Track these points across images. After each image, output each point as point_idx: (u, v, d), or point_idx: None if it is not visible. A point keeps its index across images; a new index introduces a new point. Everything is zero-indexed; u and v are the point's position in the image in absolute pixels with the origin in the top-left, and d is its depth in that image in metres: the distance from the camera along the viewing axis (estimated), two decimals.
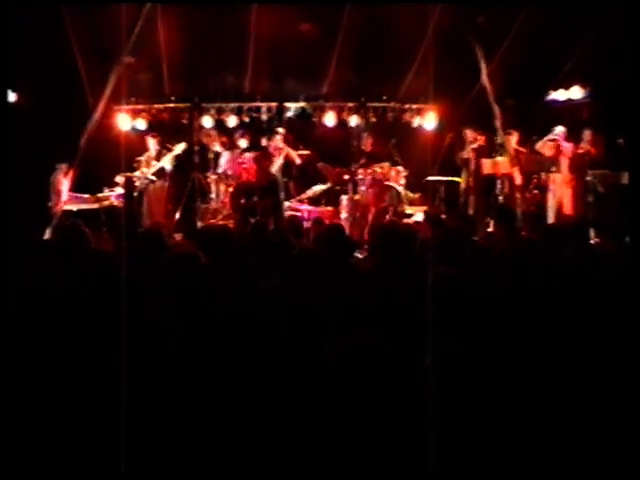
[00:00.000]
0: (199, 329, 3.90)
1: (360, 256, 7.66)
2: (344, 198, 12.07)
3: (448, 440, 3.18)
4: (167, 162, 12.05)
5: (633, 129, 6.37)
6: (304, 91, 13.12)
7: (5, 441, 3.37)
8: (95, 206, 11.38)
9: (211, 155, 12.62)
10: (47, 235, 9.33)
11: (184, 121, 12.98)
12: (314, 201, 12.60)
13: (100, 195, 11.64)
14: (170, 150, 12.14)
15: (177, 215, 12.15)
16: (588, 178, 11.34)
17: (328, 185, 12.47)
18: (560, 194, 11.59)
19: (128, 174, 11.74)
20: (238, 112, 12.97)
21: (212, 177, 12.38)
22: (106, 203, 11.51)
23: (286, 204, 12.11)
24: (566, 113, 12.79)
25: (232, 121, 12.94)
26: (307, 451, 3.30)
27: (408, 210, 11.97)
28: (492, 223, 9.82)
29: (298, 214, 11.61)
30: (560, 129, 11.83)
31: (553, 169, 11.69)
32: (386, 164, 12.23)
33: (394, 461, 3.19)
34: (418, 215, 11.36)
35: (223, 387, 3.59)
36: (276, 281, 4.57)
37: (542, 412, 3.45)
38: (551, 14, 11.16)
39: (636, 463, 3.26)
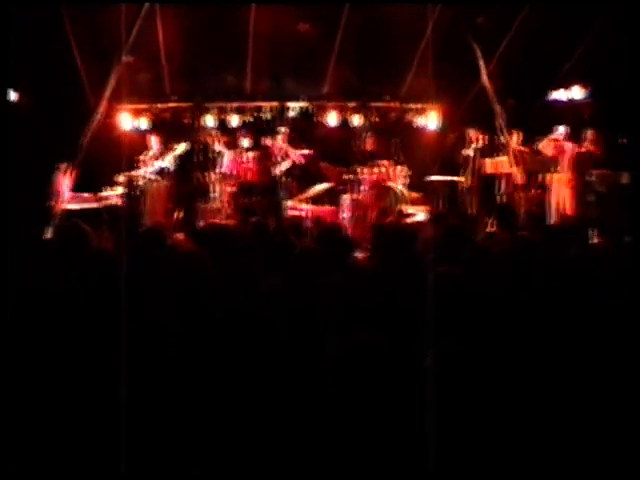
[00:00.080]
0: (199, 329, 3.90)
1: (360, 256, 7.65)
2: (345, 198, 12.06)
3: (448, 440, 3.17)
4: (168, 161, 12.05)
5: (634, 129, 6.38)
6: (306, 91, 13.13)
7: (5, 441, 3.37)
8: (96, 205, 11.37)
9: (213, 155, 12.60)
10: (48, 234, 9.33)
11: (186, 121, 12.99)
12: (315, 200, 12.59)
13: (101, 194, 11.64)
14: (172, 149, 12.14)
15: (178, 214, 12.14)
16: (589, 178, 11.33)
17: (329, 184, 12.46)
18: (561, 194, 11.58)
19: (129, 173, 11.74)
20: (240, 112, 12.98)
21: (213, 176, 12.37)
22: (107, 202, 11.50)
23: (287, 203, 12.11)
24: (567, 113, 12.78)
25: (234, 121, 12.95)
26: (307, 451, 3.30)
27: (409, 210, 11.95)
28: (493, 223, 9.83)
29: (299, 213, 11.61)
30: (562, 129, 11.83)
31: (554, 169, 11.68)
32: (386, 162, 12.22)
33: (394, 461, 3.19)
34: (419, 215, 11.35)
35: (223, 387, 3.59)
36: (277, 281, 4.57)
37: (542, 412, 3.45)
38: (551, 14, 11.16)
39: (636, 463, 3.26)
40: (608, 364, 3.73)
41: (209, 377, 3.62)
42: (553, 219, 10.93)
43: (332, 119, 13.05)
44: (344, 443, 3.20)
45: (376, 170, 12.15)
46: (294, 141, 12.63)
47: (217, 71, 12.62)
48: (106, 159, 11.18)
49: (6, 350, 3.68)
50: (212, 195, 12.32)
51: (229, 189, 12.16)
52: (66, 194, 11.31)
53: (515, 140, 11.91)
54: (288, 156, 12.33)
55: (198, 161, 12.55)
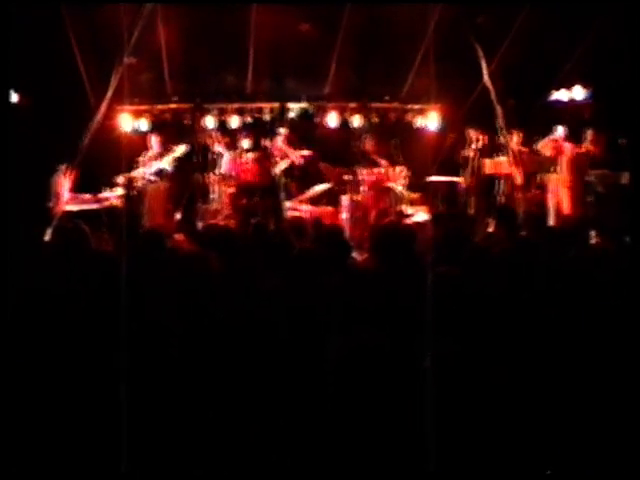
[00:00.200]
0: (200, 329, 3.90)
1: (359, 256, 7.65)
2: (345, 198, 12.05)
3: (448, 440, 3.18)
4: (167, 163, 12.04)
5: (634, 129, 6.37)
6: (306, 91, 13.12)
7: (5, 441, 3.38)
8: (95, 206, 11.36)
9: (212, 156, 12.60)
10: (48, 236, 9.32)
11: (186, 122, 12.99)
12: (315, 201, 12.59)
13: (101, 195, 11.63)
14: (171, 151, 12.14)
15: (177, 215, 12.13)
16: (588, 178, 11.33)
17: (329, 185, 12.46)
18: (559, 194, 11.58)
19: (128, 174, 11.73)
20: (240, 113, 12.98)
21: (213, 177, 12.37)
22: (107, 203, 11.49)
23: (287, 204, 12.10)
24: (567, 113, 12.79)
25: (234, 122, 12.94)
26: (308, 451, 3.31)
27: (409, 210, 11.96)
28: (492, 223, 9.82)
29: (299, 214, 11.61)
30: (560, 129, 11.83)
31: (553, 169, 11.69)
32: (385, 162, 12.23)
33: (394, 461, 3.19)
34: (419, 215, 11.35)
35: (224, 387, 3.59)
36: (277, 281, 4.58)
37: (542, 412, 3.45)
38: (551, 14, 11.16)
39: (636, 463, 3.26)
40: (607, 364, 3.73)
41: (210, 377, 3.62)
42: (552, 220, 10.93)
43: (332, 120, 13.06)
44: (345, 443, 3.21)
45: (376, 171, 12.15)
46: (294, 142, 12.63)
47: (217, 72, 12.62)
48: (106, 160, 11.17)
49: (6, 350, 3.68)
50: (212, 196, 12.32)
51: (229, 190, 12.15)
52: (66, 195, 11.31)
53: (515, 140, 11.91)
54: (287, 157, 12.33)
55: (198, 162, 12.55)
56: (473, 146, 12.22)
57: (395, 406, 3.30)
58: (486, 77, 11.42)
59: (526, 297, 4.43)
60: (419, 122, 13.37)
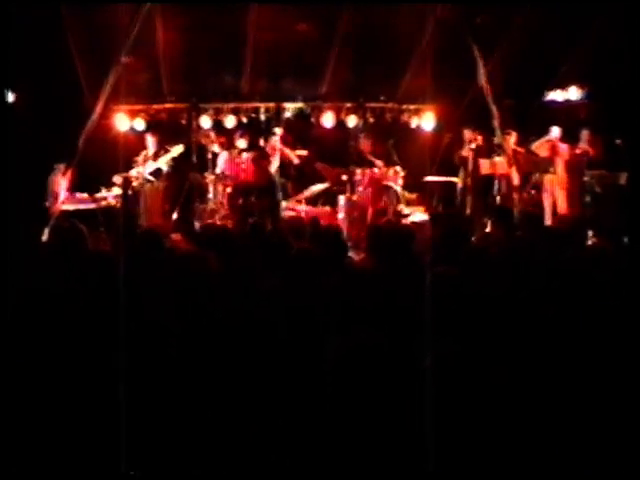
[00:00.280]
0: (199, 329, 3.90)
1: (356, 256, 7.66)
2: (342, 198, 12.06)
3: (448, 440, 3.18)
4: (163, 163, 12.04)
5: (632, 130, 6.38)
6: (302, 91, 13.11)
7: (5, 441, 3.38)
8: (93, 206, 11.36)
9: (209, 155, 12.59)
10: (45, 235, 9.32)
11: (182, 121, 12.98)
12: (312, 201, 12.60)
13: (98, 195, 11.62)
14: (167, 151, 12.13)
15: (174, 215, 12.13)
16: (586, 178, 11.35)
17: (326, 185, 12.47)
18: (556, 195, 11.60)
19: (125, 174, 11.72)
20: (236, 112, 12.98)
21: (210, 177, 12.36)
22: (104, 203, 11.49)
23: (284, 204, 12.11)
24: (564, 113, 12.79)
25: (230, 121, 12.94)
26: (307, 451, 3.31)
27: (406, 210, 11.97)
28: (490, 223, 9.83)
29: (296, 214, 11.62)
30: (556, 130, 11.84)
31: (549, 169, 11.70)
32: (380, 162, 12.24)
33: (394, 461, 3.20)
34: (416, 215, 11.36)
35: (223, 387, 3.59)
36: (275, 281, 4.58)
37: (541, 412, 3.46)
38: (550, 14, 11.16)
39: (636, 463, 3.27)
40: (606, 364, 3.74)
41: (209, 377, 3.63)
42: (549, 220, 10.94)
43: (328, 120, 13.06)
44: (344, 443, 3.21)
45: (373, 170, 12.16)
46: (290, 142, 12.64)
47: (213, 72, 12.61)
48: (103, 160, 11.17)
49: (6, 350, 3.68)
50: (209, 196, 12.31)
51: (226, 190, 12.15)
52: (63, 195, 11.30)
53: (512, 141, 11.91)
54: (284, 155, 12.33)
55: (195, 162, 12.54)
56: (470, 146, 12.22)
57: (394, 406, 3.30)
58: (482, 77, 11.41)
59: (524, 297, 4.44)
60: (415, 122, 13.38)
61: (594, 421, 3.44)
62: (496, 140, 11.88)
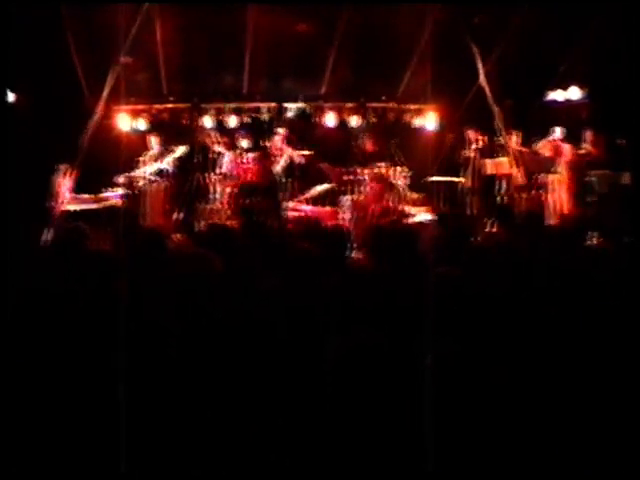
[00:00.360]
0: (199, 329, 3.90)
1: (358, 256, 7.65)
2: (345, 198, 12.06)
3: (448, 440, 3.18)
4: (167, 163, 12.05)
5: (633, 130, 6.38)
6: (303, 91, 13.13)
7: (5, 441, 3.37)
8: (95, 206, 11.36)
9: (212, 155, 12.60)
10: (47, 236, 9.32)
11: (184, 121, 12.99)
12: (315, 201, 12.60)
13: (100, 195, 11.63)
14: (171, 151, 12.14)
15: (177, 215, 12.13)
16: (589, 178, 11.34)
17: (330, 185, 12.46)
18: (558, 195, 11.59)
19: (128, 174, 11.74)
20: (238, 112, 12.99)
21: (213, 177, 12.37)
22: (106, 203, 11.50)
23: (287, 204, 12.10)
24: (564, 114, 12.79)
25: (232, 121, 12.96)
26: (307, 451, 3.31)
27: (411, 210, 11.96)
28: (493, 223, 9.82)
29: (299, 214, 11.61)
30: (558, 131, 11.83)
31: (553, 169, 11.69)
32: (384, 163, 12.24)
33: (394, 461, 3.19)
34: (421, 215, 11.36)
35: (223, 387, 3.59)
36: (276, 281, 4.57)
37: (541, 411, 3.45)
38: (549, 14, 11.16)
39: (636, 463, 3.26)
40: (607, 364, 3.73)
41: (209, 377, 3.62)
42: (551, 219, 10.93)
43: (330, 120, 13.06)
44: (344, 443, 3.20)
45: (376, 170, 12.16)
46: (292, 142, 12.64)
47: (215, 72, 12.63)
48: (105, 160, 11.18)
49: (6, 350, 3.68)
50: (212, 196, 12.32)
51: (229, 190, 12.15)
52: (66, 195, 11.31)
53: (514, 141, 11.91)
54: (287, 155, 12.34)
55: (198, 162, 12.55)
56: (473, 146, 12.22)
57: (394, 406, 3.30)
58: (483, 78, 11.42)
59: (526, 297, 4.43)
60: (418, 122, 13.38)
61: (594, 421, 3.43)
62: (499, 140, 11.88)
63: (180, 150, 12.16)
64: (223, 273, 4.74)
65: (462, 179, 12.39)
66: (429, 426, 3.16)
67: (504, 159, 11.82)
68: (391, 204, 11.99)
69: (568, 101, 12.99)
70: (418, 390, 3.25)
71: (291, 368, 3.66)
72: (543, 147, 11.83)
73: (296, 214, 11.72)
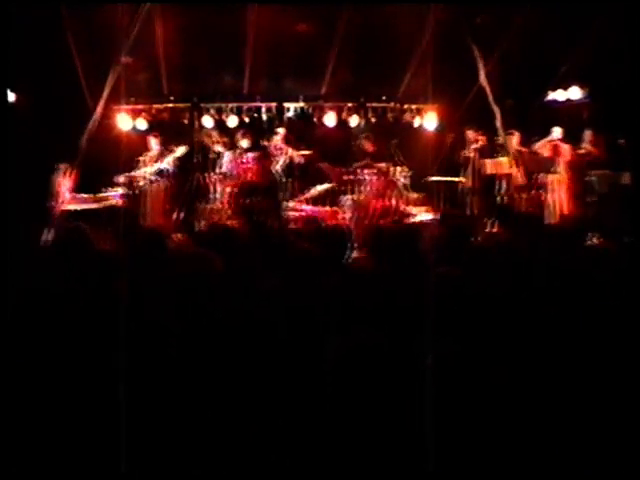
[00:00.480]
0: (199, 329, 3.90)
1: (358, 256, 7.65)
2: (345, 198, 12.06)
3: (448, 440, 3.18)
4: (168, 163, 12.06)
5: (634, 129, 6.37)
6: (303, 91, 13.14)
7: (5, 441, 3.37)
8: (95, 206, 11.36)
9: (212, 155, 12.60)
10: (47, 236, 9.32)
11: (184, 121, 13.00)
12: (315, 201, 12.60)
13: (100, 195, 11.63)
14: (171, 151, 12.15)
15: (177, 215, 12.13)
16: (589, 178, 11.34)
17: (330, 185, 12.46)
18: (557, 195, 11.60)
19: (129, 174, 11.74)
20: (238, 112, 12.99)
21: (213, 177, 12.37)
22: (107, 203, 11.49)
23: (288, 204, 12.10)
24: (565, 113, 12.80)
25: (232, 121, 12.96)
26: (307, 451, 3.31)
27: (412, 210, 11.97)
28: (493, 223, 9.83)
29: (299, 214, 11.62)
30: (558, 130, 11.83)
31: (552, 169, 11.69)
32: (384, 164, 12.24)
33: (394, 461, 3.19)
34: (421, 215, 11.36)
35: (223, 387, 3.59)
36: (276, 281, 4.57)
37: (541, 412, 3.45)
38: (550, 14, 11.16)
39: (636, 463, 3.26)
40: (607, 364, 3.73)
41: (209, 377, 3.62)
42: (551, 219, 10.94)
43: (330, 119, 13.07)
44: (344, 443, 3.20)
45: (376, 170, 12.16)
46: (292, 142, 12.65)
47: (215, 71, 12.63)
48: (106, 160, 11.17)
49: (6, 350, 3.68)
50: (212, 196, 12.32)
51: (229, 190, 12.15)
52: (66, 195, 11.31)
53: (515, 141, 11.91)
54: (287, 155, 12.34)
55: (198, 162, 12.55)
56: (473, 146, 12.22)
57: (394, 406, 3.30)
58: (483, 77, 11.42)
59: (526, 297, 4.43)
60: (418, 122, 13.38)
61: (594, 421, 3.43)
62: (499, 140, 11.88)
63: (180, 150, 12.17)
64: (223, 273, 4.74)
65: (462, 179, 12.40)
66: (429, 426, 3.16)
67: (504, 159, 11.82)
68: (392, 202, 12.00)
69: (569, 101, 13.00)
70: (418, 390, 3.25)
71: (291, 368, 3.67)
72: (542, 147, 11.83)
73: (296, 214, 11.72)
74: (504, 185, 11.87)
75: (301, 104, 13.10)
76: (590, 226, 8.53)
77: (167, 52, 11.67)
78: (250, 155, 12.33)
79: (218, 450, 3.41)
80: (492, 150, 12.10)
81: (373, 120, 13.20)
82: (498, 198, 11.87)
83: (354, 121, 13.06)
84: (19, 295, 4.25)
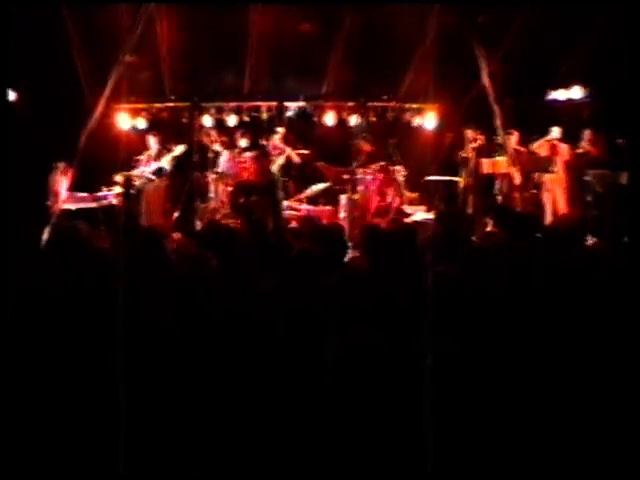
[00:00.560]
0: (197, 330, 3.90)
1: (357, 256, 7.65)
2: (343, 197, 12.06)
3: (447, 440, 3.18)
4: (166, 162, 12.05)
5: (633, 129, 6.37)
6: (304, 90, 13.12)
7: (5, 441, 3.38)
8: (93, 205, 11.36)
9: (211, 154, 12.60)
10: (45, 235, 9.32)
11: (184, 120, 12.99)
12: (313, 200, 12.61)
13: (99, 194, 11.63)
14: (170, 150, 12.14)
15: (175, 214, 12.13)
16: (587, 178, 11.34)
17: (328, 184, 12.47)
18: (556, 194, 11.60)
19: (127, 173, 11.74)
20: (238, 111, 12.98)
21: (211, 176, 12.37)
22: (104, 202, 11.49)
23: (285, 203, 12.11)
24: (565, 113, 12.79)
25: (232, 120, 12.95)
26: (306, 451, 3.31)
27: (409, 209, 11.98)
28: (490, 223, 9.83)
29: (297, 213, 11.63)
30: (556, 130, 11.83)
31: (550, 169, 11.69)
32: (383, 163, 12.25)
33: (393, 461, 3.20)
34: (419, 215, 11.36)
35: (222, 388, 3.59)
36: (274, 281, 4.58)
37: (540, 411, 3.46)
38: (551, 14, 11.16)
39: (636, 463, 3.27)
40: (606, 364, 3.74)
41: (208, 378, 3.63)
42: (549, 219, 10.94)
43: (330, 119, 13.06)
44: (343, 443, 3.21)
45: (374, 169, 12.17)
46: (291, 141, 12.65)
47: (215, 71, 12.62)
48: (104, 159, 11.16)
49: (6, 351, 3.68)
50: (210, 195, 12.32)
51: (227, 189, 12.15)
52: (64, 194, 11.30)
53: (514, 140, 11.91)
54: (287, 155, 12.34)
55: (196, 161, 12.54)
56: (471, 146, 12.22)
57: (393, 406, 3.30)
58: (484, 77, 11.41)
59: (524, 297, 4.43)
60: (417, 121, 13.38)
61: (594, 421, 3.44)
62: (498, 140, 11.88)
63: (179, 149, 12.17)
64: (222, 273, 4.75)
65: (460, 178, 12.40)
66: (428, 426, 3.16)
67: (501, 158, 11.81)
68: (391, 200, 12.01)
69: (569, 100, 12.98)
70: (417, 390, 3.26)
71: (290, 368, 3.67)
72: (540, 147, 11.82)
73: (294, 213, 11.73)
74: (502, 185, 11.87)
75: (301, 103, 13.09)
76: (588, 226, 8.54)
77: (168, 51, 11.67)
78: (248, 154, 12.33)
79: (217, 450, 3.42)
80: (491, 149, 12.10)
81: (373, 119, 13.19)
82: (496, 197, 11.87)
83: (354, 120, 13.05)
84: (19, 295, 4.25)
